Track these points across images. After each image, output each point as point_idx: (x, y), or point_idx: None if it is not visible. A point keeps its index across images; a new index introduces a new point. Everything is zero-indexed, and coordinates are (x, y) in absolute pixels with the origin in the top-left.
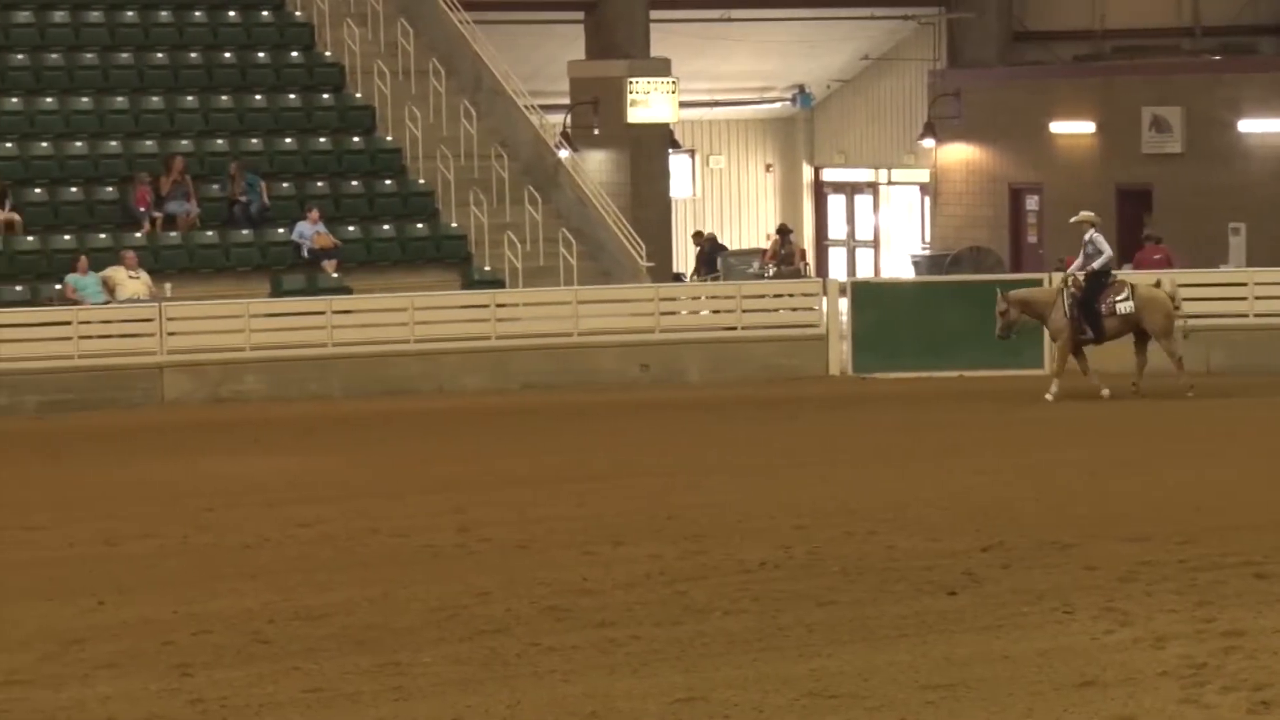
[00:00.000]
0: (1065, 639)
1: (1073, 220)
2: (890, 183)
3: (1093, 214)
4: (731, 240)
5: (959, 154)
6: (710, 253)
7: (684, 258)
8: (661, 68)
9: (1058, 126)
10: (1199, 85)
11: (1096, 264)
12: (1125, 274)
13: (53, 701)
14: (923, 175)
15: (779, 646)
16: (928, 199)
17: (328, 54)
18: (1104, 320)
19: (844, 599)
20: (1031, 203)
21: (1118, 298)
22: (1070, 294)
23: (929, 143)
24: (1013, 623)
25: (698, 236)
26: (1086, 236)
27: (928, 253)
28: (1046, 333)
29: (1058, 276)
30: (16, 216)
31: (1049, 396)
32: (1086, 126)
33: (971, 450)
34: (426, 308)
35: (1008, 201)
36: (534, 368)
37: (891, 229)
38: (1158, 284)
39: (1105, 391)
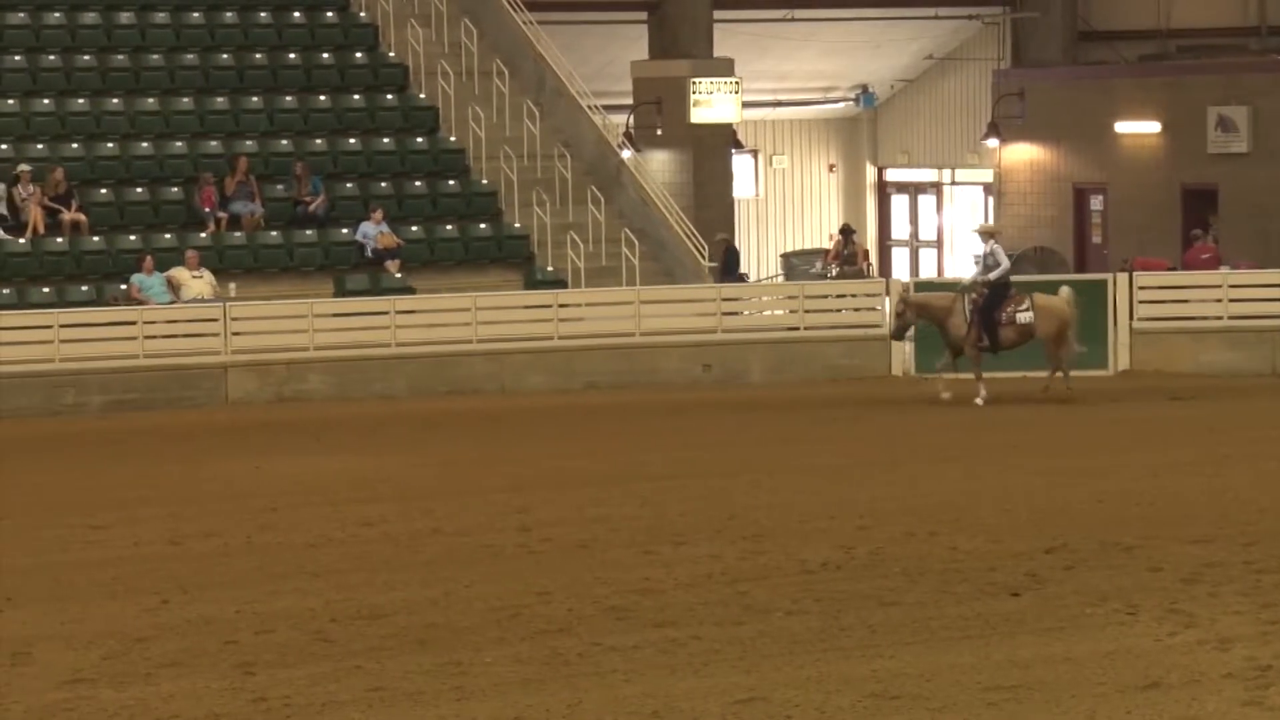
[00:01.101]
0: (1128, 641)
1: (973, 230)
2: (954, 182)
3: (992, 225)
4: (794, 240)
5: (1023, 154)
6: (726, 258)
7: (747, 259)
8: (724, 68)
9: (1122, 126)
10: (1265, 84)
11: (994, 275)
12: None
13: (116, 700)
14: (986, 175)
15: (841, 647)
16: (991, 199)
17: (392, 54)
18: (1001, 330)
19: (906, 600)
20: (1096, 203)
21: (1018, 308)
22: (971, 301)
23: (993, 142)
24: (1076, 624)
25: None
26: (987, 248)
27: None
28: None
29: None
30: (83, 217)
31: (978, 402)
32: (1151, 126)
33: (1034, 451)
34: (489, 308)
35: (1072, 201)
36: (596, 368)
37: (955, 229)
38: (1060, 293)
39: (946, 395)
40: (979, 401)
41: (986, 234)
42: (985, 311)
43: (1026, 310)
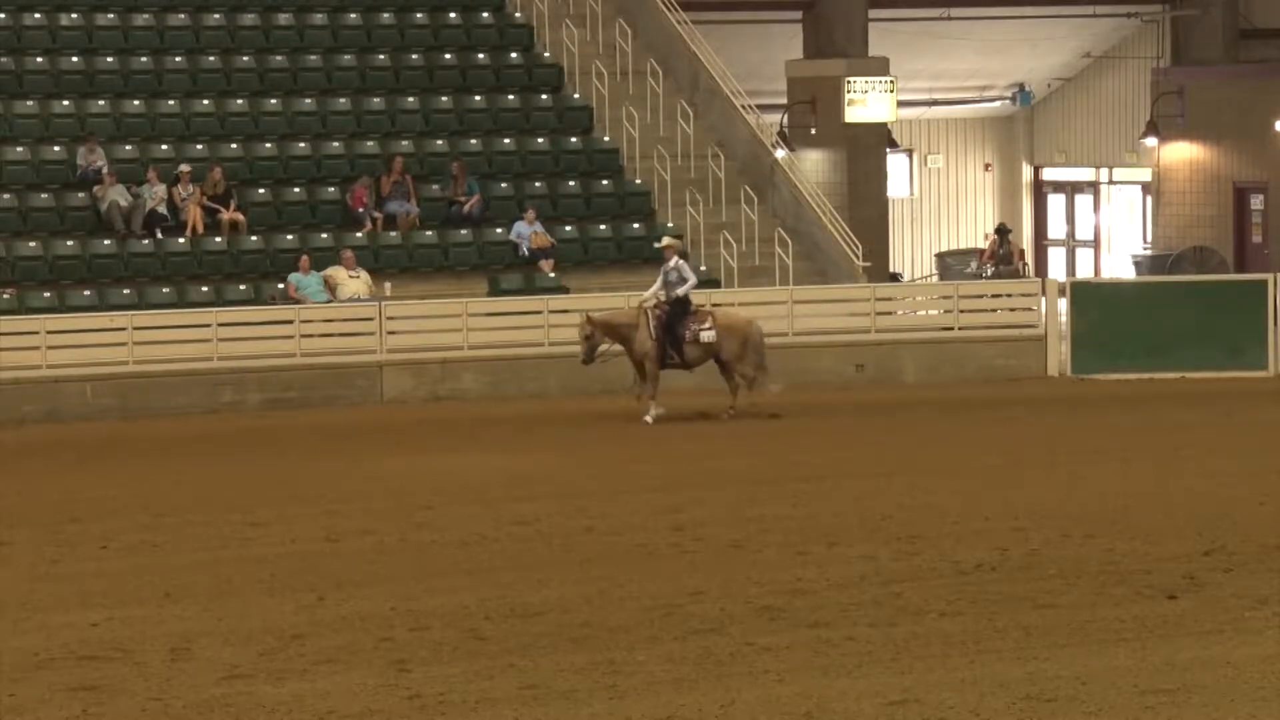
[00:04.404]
0: None
1: (657, 245)
2: (1111, 182)
3: (678, 241)
4: (949, 240)
5: (1182, 153)
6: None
7: (901, 258)
8: (879, 67)
9: None
10: None
11: (680, 291)
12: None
13: (273, 696)
14: (1145, 174)
15: (995, 649)
16: (1150, 198)
17: (546, 55)
18: (685, 347)
19: (1062, 602)
20: (1256, 202)
21: (700, 326)
22: (656, 316)
23: (1151, 141)
24: (1235, 628)
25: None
26: (671, 263)
27: (1149, 253)
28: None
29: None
30: (241, 216)
31: (649, 419)
32: None
33: (1193, 453)
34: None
35: (1232, 201)
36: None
37: (1112, 229)
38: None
39: (651, 417)
40: (648, 420)
41: (671, 250)
42: (669, 328)
43: (709, 329)
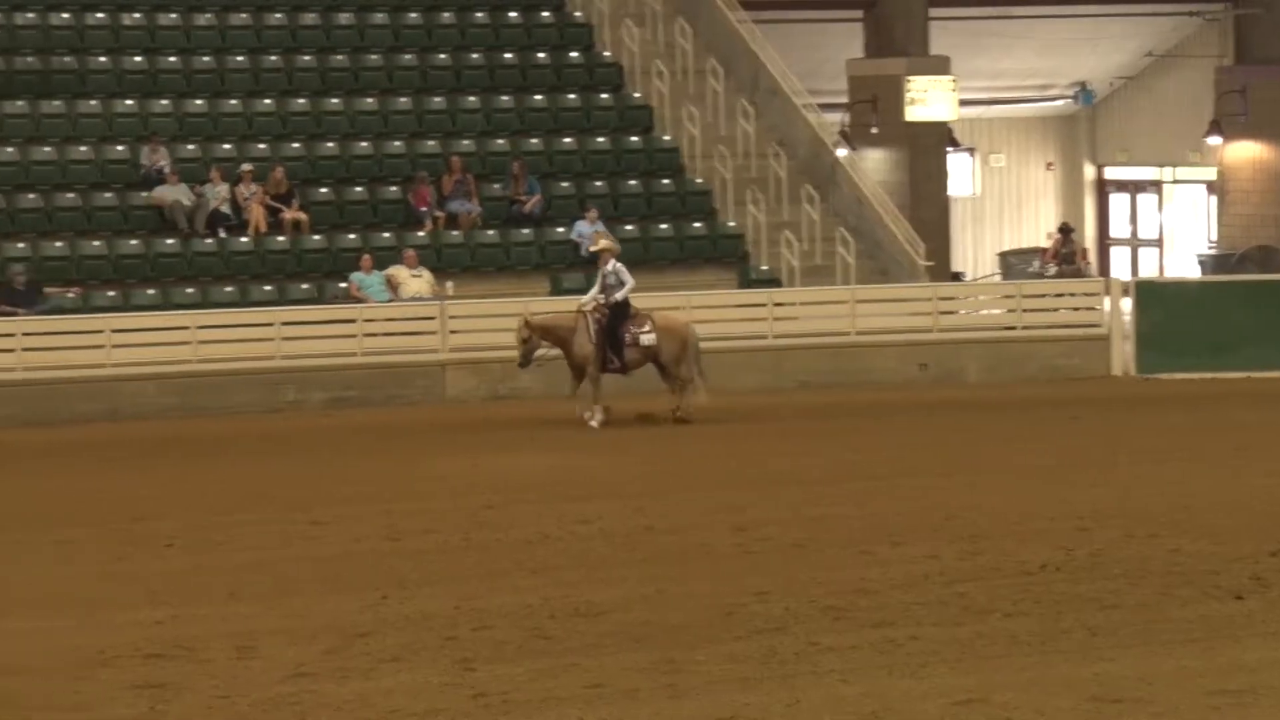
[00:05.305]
0: None
1: (592, 249)
2: (1175, 181)
3: (614, 244)
4: (1011, 239)
5: (1246, 152)
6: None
7: (963, 257)
8: (941, 66)
9: None
10: None
11: (620, 294)
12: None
13: (338, 694)
14: (1209, 173)
15: (1061, 649)
16: (1214, 197)
17: (607, 54)
18: (625, 350)
19: (1127, 602)
20: None
21: (640, 329)
22: (595, 320)
23: (1215, 140)
24: None
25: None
26: (609, 267)
27: (1214, 252)
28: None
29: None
30: (303, 215)
31: (594, 423)
32: None
33: (1259, 452)
34: (704, 306)
35: None
36: (810, 367)
37: (1176, 228)
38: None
39: (596, 421)
40: (593, 424)
41: (608, 253)
42: (609, 332)
43: (649, 332)
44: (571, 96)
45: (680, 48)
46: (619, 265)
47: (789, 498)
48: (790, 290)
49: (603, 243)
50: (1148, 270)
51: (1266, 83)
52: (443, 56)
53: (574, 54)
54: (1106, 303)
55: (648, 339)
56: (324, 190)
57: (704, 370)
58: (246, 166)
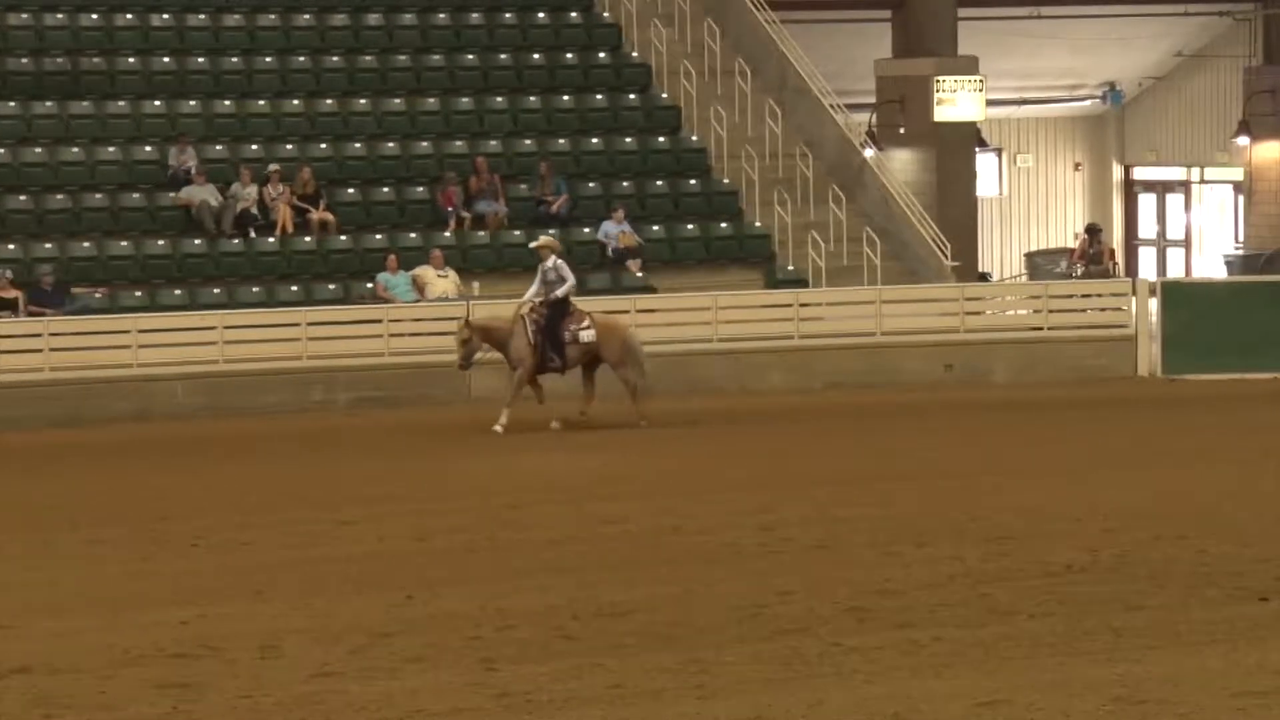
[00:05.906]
0: None
1: (532, 245)
2: (1203, 181)
3: (554, 240)
4: (1038, 240)
5: (1274, 152)
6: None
7: (990, 258)
8: (969, 66)
9: None
10: None
11: (560, 291)
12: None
13: (362, 694)
14: (1237, 174)
15: (1085, 651)
16: (1241, 198)
17: (634, 54)
18: (566, 348)
19: (1152, 603)
20: None
21: (579, 326)
22: (533, 321)
23: (1243, 141)
24: None
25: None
26: (549, 263)
27: (1241, 252)
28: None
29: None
30: (330, 216)
31: (498, 428)
32: None
33: None
34: (730, 307)
35: None
36: (837, 367)
37: (1204, 228)
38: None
39: (555, 424)
40: (497, 429)
41: (548, 250)
42: (549, 331)
43: (588, 329)
44: (599, 97)
45: (708, 48)
46: (560, 262)
47: (814, 498)
48: (817, 290)
49: (543, 239)
50: (1175, 271)
51: None
52: (470, 57)
53: (601, 54)
54: (1133, 303)
55: (587, 335)
56: (351, 191)
57: (647, 374)
58: (274, 167)
